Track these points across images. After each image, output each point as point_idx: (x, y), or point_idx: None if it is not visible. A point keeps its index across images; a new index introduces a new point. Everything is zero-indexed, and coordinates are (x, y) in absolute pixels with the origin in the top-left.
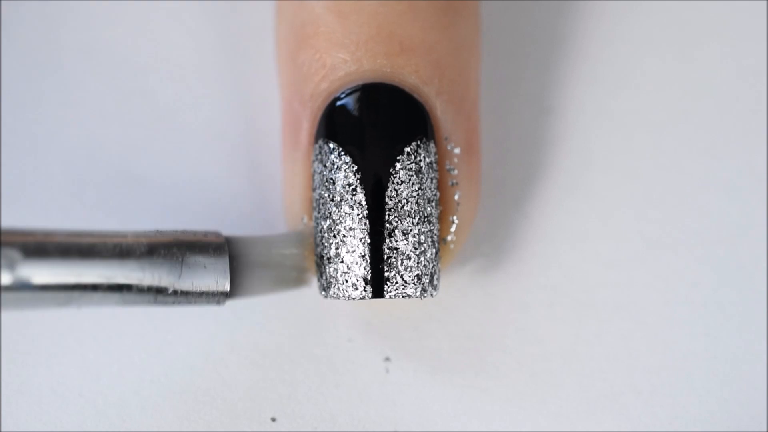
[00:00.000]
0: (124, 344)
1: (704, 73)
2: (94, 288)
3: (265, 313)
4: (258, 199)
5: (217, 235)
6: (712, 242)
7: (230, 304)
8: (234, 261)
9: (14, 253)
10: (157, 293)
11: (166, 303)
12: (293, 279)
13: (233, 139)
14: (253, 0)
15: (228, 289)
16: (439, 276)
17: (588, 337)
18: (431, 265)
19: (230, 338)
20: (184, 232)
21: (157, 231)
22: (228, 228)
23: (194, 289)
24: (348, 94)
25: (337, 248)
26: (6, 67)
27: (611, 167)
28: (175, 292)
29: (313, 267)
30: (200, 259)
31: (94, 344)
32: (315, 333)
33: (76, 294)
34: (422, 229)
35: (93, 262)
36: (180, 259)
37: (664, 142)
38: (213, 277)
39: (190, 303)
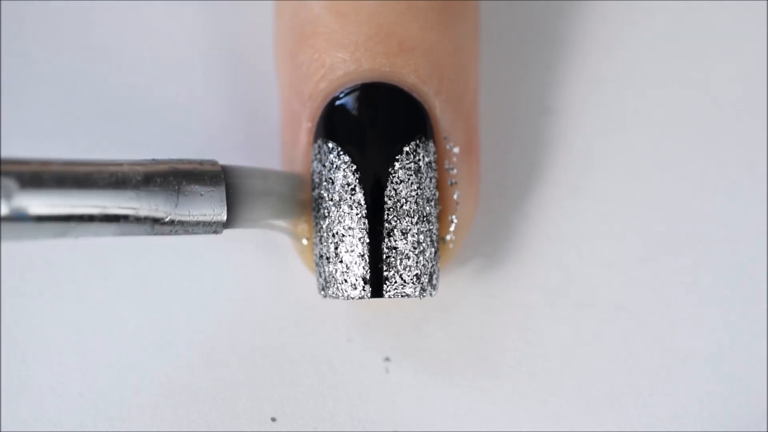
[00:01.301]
0: (124, 344)
1: (704, 73)
2: (91, 218)
3: (265, 313)
4: None
5: (213, 163)
6: (712, 242)
7: (231, 303)
8: (230, 189)
9: (10, 183)
10: (154, 222)
11: (162, 233)
12: (289, 212)
13: (233, 139)
14: (253, 0)
15: (225, 218)
16: (438, 275)
17: (588, 337)
18: (430, 265)
19: (230, 338)
20: (180, 161)
21: (153, 159)
22: None
23: (191, 218)
24: (347, 94)
25: (336, 248)
26: (6, 67)
27: (611, 167)
28: (171, 222)
29: (306, 204)
30: (197, 188)
31: (94, 344)
32: (315, 333)
33: (72, 224)
34: (421, 229)
35: (90, 192)
36: (176, 188)
37: (665, 142)
38: (210, 205)
39: (187, 232)
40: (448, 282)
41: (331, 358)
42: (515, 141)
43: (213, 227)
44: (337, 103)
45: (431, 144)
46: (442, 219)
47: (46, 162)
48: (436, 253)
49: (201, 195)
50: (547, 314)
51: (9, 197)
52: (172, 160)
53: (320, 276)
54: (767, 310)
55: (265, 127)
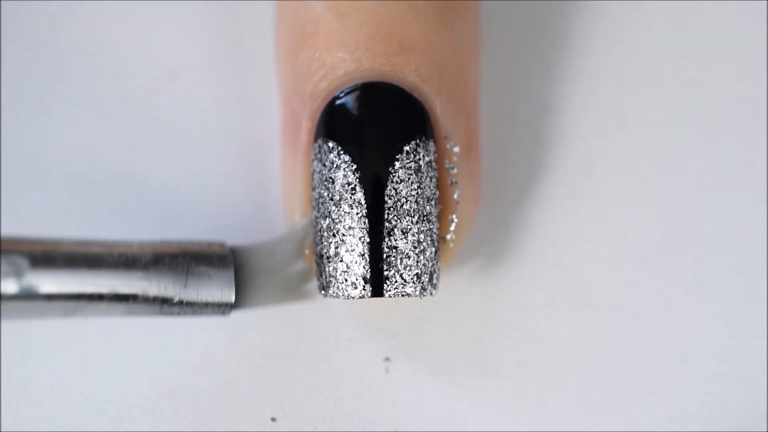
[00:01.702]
0: (124, 344)
1: (704, 73)
2: (101, 298)
3: (265, 313)
4: (258, 198)
5: (222, 245)
6: (712, 242)
7: None
8: (239, 271)
9: (21, 261)
10: (163, 303)
11: (171, 313)
12: (297, 288)
13: (233, 139)
14: (253, 0)
15: (233, 300)
16: (438, 275)
17: (588, 337)
18: (431, 264)
19: (230, 338)
20: (189, 242)
21: (162, 240)
22: (228, 227)
23: (199, 300)
24: (347, 93)
25: (336, 247)
26: (6, 67)
27: (612, 167)
28: (180, 303)
29: (313, 268)
30: (205, 270)
31: (94, 344)
32: (315, 333)
33: (82, 303)
34: (421, 228)
35: (99, 272)
36: (185, 270)
37: (665, 142)
38: (218, 287)
39: (195, 313)
40: (448, 282)
41: (331, 358)
42: (515, 141)
43: (221, 309)
44: (338, 102)
45: (431, 143)
46: (442, 218)
47: (57, 242)
48: (436, 252)
49: (210, 277)
50: (547, 314)
51: (20, 276)
52: (181, 241)
53: (320, 276)
54: (767, 310)
55: (265, 127)
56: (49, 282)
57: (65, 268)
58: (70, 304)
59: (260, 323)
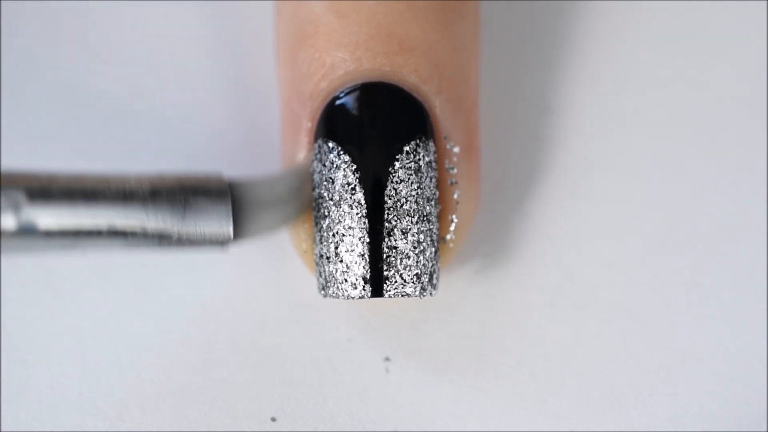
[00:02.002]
0: (124, 345)
1: (704, 73)
2: (99, 233)
3: (265, 313)
4: None
5: (220, 177)
6: (712, 242)
7: (231, 303)
8: (237, 203)
9: (19, 196)
10: (161, 237)
11: (170, 246)
12: (295, 216)
13: (233, 139)
14: (253, 0)
15: (231, 232)
16: (438, 275)
17: (588, 337)
18: (430, 264)
19: (230, 338)
20: (186, 175)
21: (160, 173)
22: None
23: (198, 232)
24: (347, 94)
25: (336, 247)
26: (6, 67)
27: (612, 167)
28: (179, 236)
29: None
30: (203, 203)
31: (94, 344)
32: (315, 333)
33: (80, 238)
34: (421, 228)
35: (97, 206)
36: (183, 202)
37: (665, 142)
38: (216, 220)
39: (194, 246)
40: (448, 282)
41: (331, 358)
42: (515, 141)
43: (220, 241)
44: (338, 102)
45: (431, 143)
46: (442, 219)
47: (54, 175)
48: (436, 252)
49: (207, 209)
50: (547, 314)
51: (18, 210)
52: (179, 174)
53: (320, 276)
54: (767, 310)
55: (265, 127)
56: (47, 216)
57: (63, 201)
58: (68, 239)
59: (260, 323)
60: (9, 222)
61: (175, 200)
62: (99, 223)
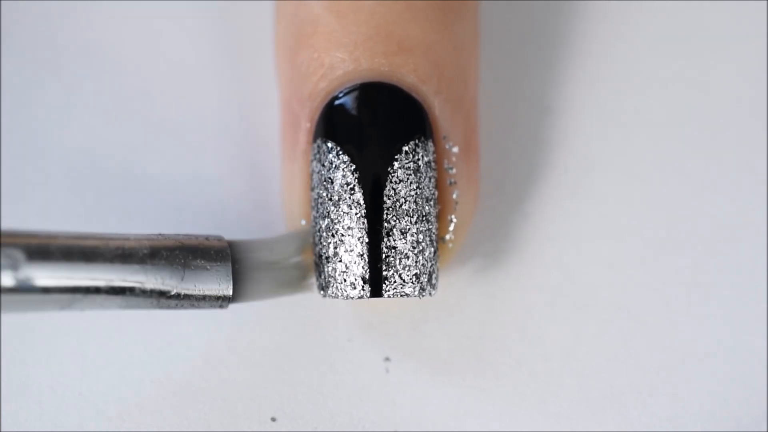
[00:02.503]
0: (124, 344)
1: (705, 74)
2: (97, 290)
3: (265, 313)
4: (257, 198)
5: (220, 239)
6: (712, 242)
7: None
8: (236, 265)
9: (17, 254)
10: (160, 296)
11: (168, 306)
12: (295, 282)
13: (233, 139)
14: (252, 0)
15: (231, 293)
16: (437, 275)
17: (588, 337)
18: (430, 264)
19: (230, 338)
20: (186, 236)
21: (160, 234)
22: (228, 227)
23: (197, 293)
24: (346, 94)
25: (335, 247)
26: (6, 67)
27: (611, 167)
28: (177, 296)
29: (312, 268)
30: (203, 263)
31: (94, 344)
32: (315, 333)
33: (78, 296)
34: (420, 228)
35: (96, 265)
36: (183, 263)
37: (665, 142)
38: (215, 280)
39: (192, 306)
40: (448, 282)
41: (331, 358)
42: (515, 141)
43: (219, 302)
44: (337, 102)
45: (430, 143)
46: (441, 219)
47: (53, 235)
48: (435, 252)
49: (207, 270)
50: (547, 314)
51: (16, 268)
52: (179, 235)
53: (320, 276)
54: (767, 310)
55: (265, 127)
56: (45, 275)
57: (61, 260)
58: (66, 297)
59: (260, 323)
60: (7, 280)
61: (175, 260)
62: (97, 282)
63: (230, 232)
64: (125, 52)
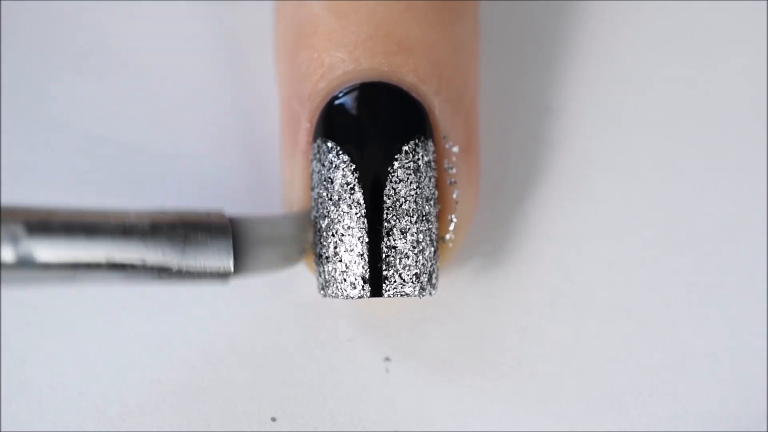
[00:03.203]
0: (124, 344)
1: (704, 74)
2: (98, 266)
3: (265, 313)
4: (258, 198)
5: (221, 214)
6: (712, 242)
7: (230, 303)
8: (237, 239)
9: (18, 229)
10: (161, 271)
11: (169, 281)
12: (295, 257)
13: (233, 139)
14: (252, 0)
15: (232, 268)
16: (437, 275)
17: (588, 337)
18: (430, 264)
19: (230, 338)
20: (187, 211)
21: (160, 209)
22: None
23: (197, 267)
24: (346, 93)
25: (335, 247)
26: (6, 67)
27: (612, 167)
28: (178, 270)
29: (311, 241)
30: (203, 238)
31: (94, 344)
32: (315, 333)
33: (79, 271)
34: (420, 228)
35: (96, 240)
36: (183, 238)
37: (665, 142)
38: (216, 255)
39: (193, 281)
40: (448, 282)
41: (331, 358)
42: (515, 141)
43: (220, 276)
44: (336, 102)
45: (430, 143)
46: (441, 218)
47: (54, 210)
48: (435, 252)
49: (207, 245)
50: (547, 314)
51: (16, 243)
52: (180, 210)
53: (320, 275)
54: (767, 310)
55: (265, 127)
56: (45, 250)
57: (62, 235)
58: (66, 272)
59: (260, 323)
60: (7, 255)
61: (175, 235)
62: (98, 256)
63: None
64: (125, 52)
